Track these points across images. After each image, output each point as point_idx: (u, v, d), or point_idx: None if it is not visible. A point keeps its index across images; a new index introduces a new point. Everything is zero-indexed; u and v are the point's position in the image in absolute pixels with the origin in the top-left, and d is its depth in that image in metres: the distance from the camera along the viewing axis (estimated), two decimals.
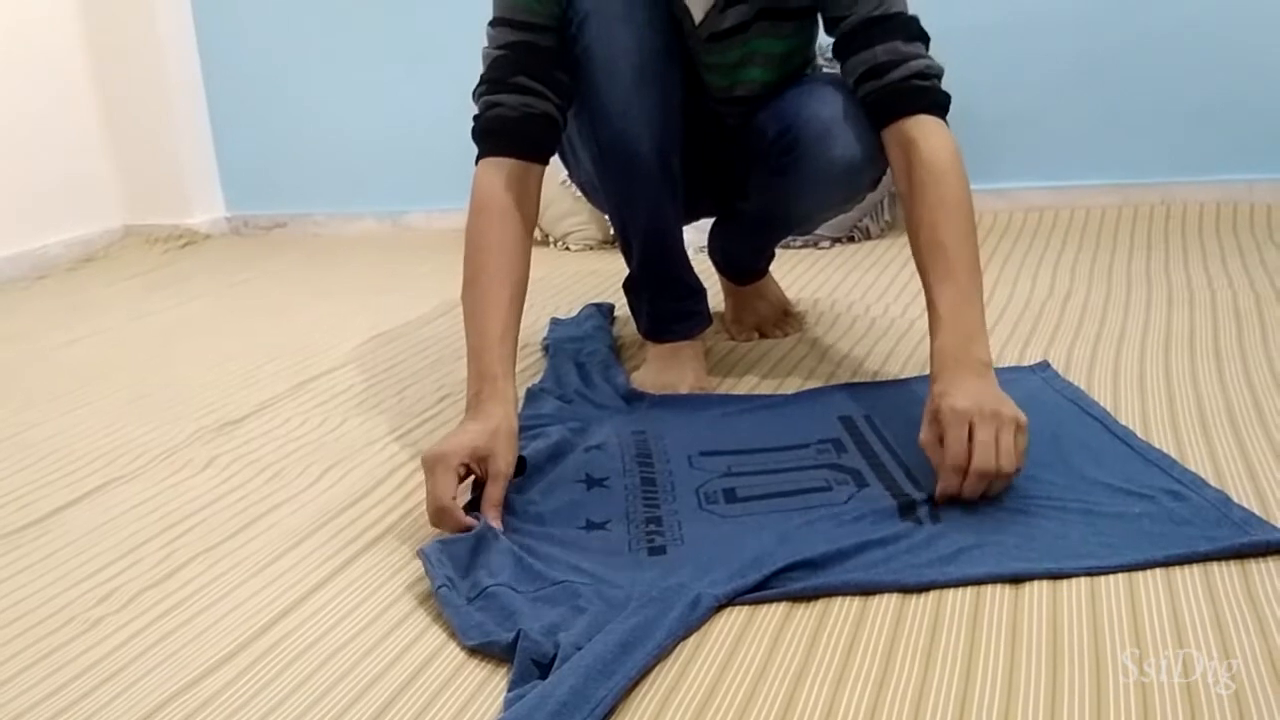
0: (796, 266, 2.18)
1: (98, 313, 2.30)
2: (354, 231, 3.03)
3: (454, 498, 1.07)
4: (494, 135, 1.29)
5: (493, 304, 1.21)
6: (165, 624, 1.00)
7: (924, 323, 1.73)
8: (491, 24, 1.33)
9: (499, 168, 1.28)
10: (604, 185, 1.42)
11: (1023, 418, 1.04)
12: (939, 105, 1.26)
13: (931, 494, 1.06)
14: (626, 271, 1.55)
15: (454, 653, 0.91)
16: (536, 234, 2.61)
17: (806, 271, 2.14)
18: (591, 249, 2.54)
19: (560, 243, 2.57)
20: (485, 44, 1.34)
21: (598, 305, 1.89)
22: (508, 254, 1.24)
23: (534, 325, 1.89)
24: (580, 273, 2.29)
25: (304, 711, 0.84)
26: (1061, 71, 2.48)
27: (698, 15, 1.38)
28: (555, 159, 1.64)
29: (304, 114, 3.02)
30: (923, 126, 1.24)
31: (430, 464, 1.08)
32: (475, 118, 1.32)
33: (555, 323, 1.82)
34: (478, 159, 1.30)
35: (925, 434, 1.09)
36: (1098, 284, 1.92)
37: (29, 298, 2.52)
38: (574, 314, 1.86)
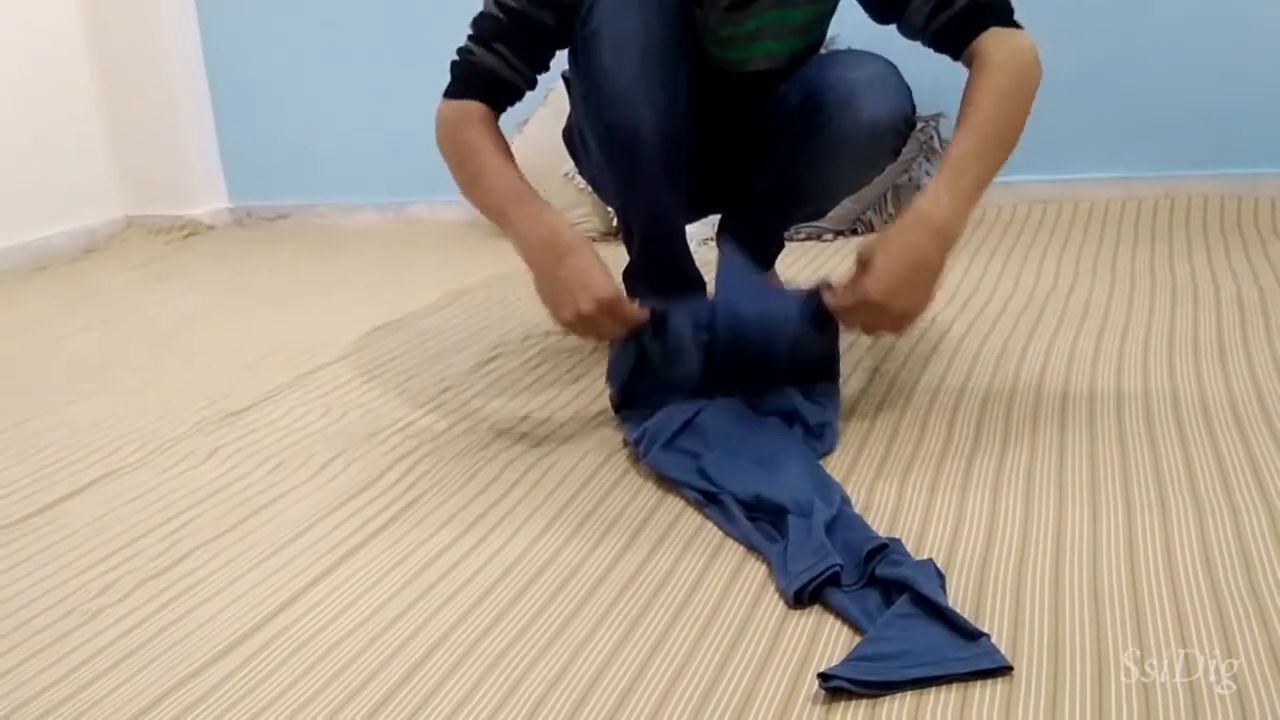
0: (800, 259, 2.17)
1: (99, 304, 2.30)
2: (356, 223, 3.03)
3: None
4: (461, 80, 1.39)
5: (501, 167, 1.32)
6: (166, 615, 1.00)
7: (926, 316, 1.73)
8: None
9: (463, 101, 1.38)
10: (608, 168, 1.42)
11: (920, 316, 1.22)
12: (1007, 13, 1.33)
13: None
14: (627, 263, 1.54)
15: (456, 645, 0.91)
16: None
17: (810, 264, 2.14)
18: (594, 241, 2.53)
19: None
20: None
21: None
22: (494, 140, 1.35)
23: (536, 318, 1.89)
24: None
25: (306, 703, 0.84)
26: (1065, 64, 2.46)
27: None
28: (564, 153, 1.64)
29: (307, 105, 3.02)
30: (991, 37, 1.30)
31: (608, 309, 1.21)
32: (451, 65, 1.39)
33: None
34: (444, 98, 1.39)
35: (861, 252, 1.21)
36: (1101, 277, 1.91)
37: (30, 288, 2.52)
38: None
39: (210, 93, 3.08)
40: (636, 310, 1.25)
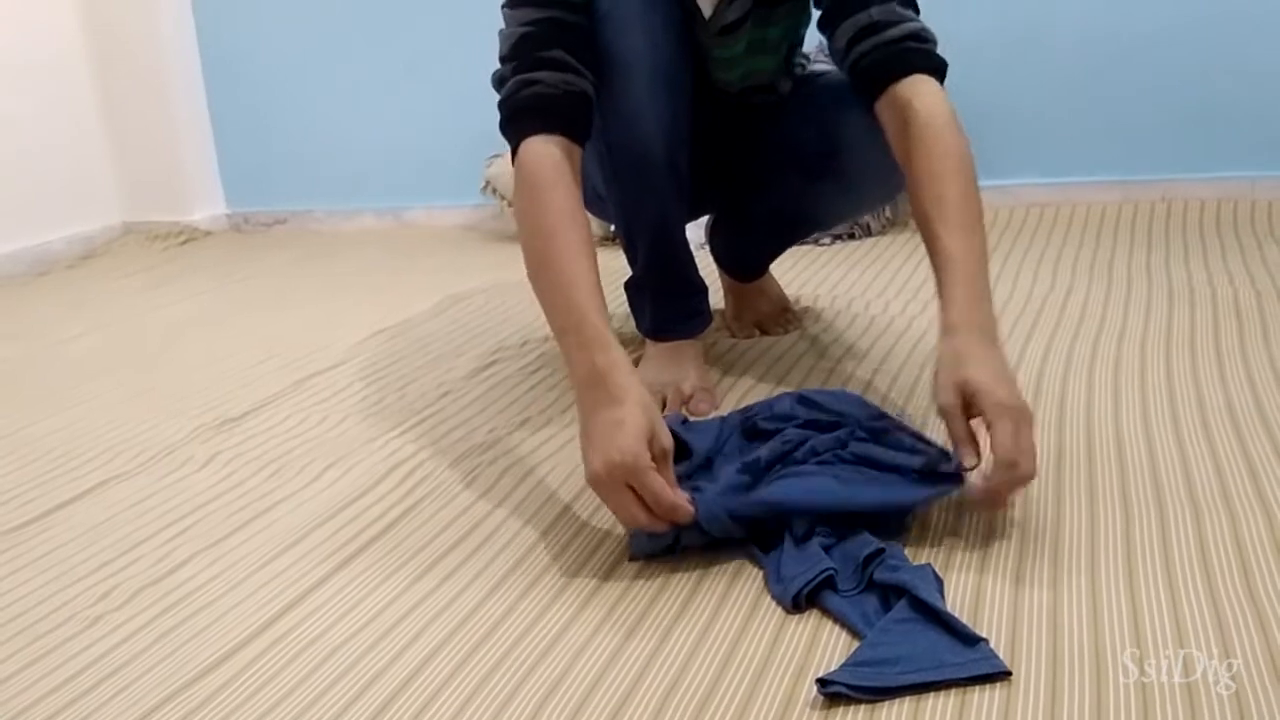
0: (798, 263, 2.17)
1: (98, 310, 2.30)
2: (354, 228, 3.03)
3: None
4: (538, 113, 1.20)
5: (579, 269, 1.11)
6: (165, 621, 1.00)
7: (924, 320, 1.73)
8: (510, 5, 1.27)
9: (547, 144, 1.18)
10: (611, 187, 1.42)
11: (1029, 409, 1.00)
12: (937, 68, 1.23)
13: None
14: (626, 266, 1.54)
15: (455, 650, 0.91)
16: None
17: (808, 268, 2.14)
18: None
19: None
20: (503, 26, 1.28)
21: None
22: (578, 225, 1.15)
23: (535, 323, 1.89)
24: None
25: (304, 709, 0.84)
26: (1063, 68, 2.47)
27: (707, 10, 1.38)
28: None
29: (304, 110, 3.02)
30: (918, 85, 1.21)
31: (623, 476, 0.97)
32: (507, 98, 1.23)
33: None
34: (518, 139, 1.20)
35: (947, 398, 1.01)
36: (1098, 281, 1.91)
37: (29, 294, 2.52)
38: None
39: (208, 99, 3.08)
40: (666, 493, 0.97)
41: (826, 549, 0.98)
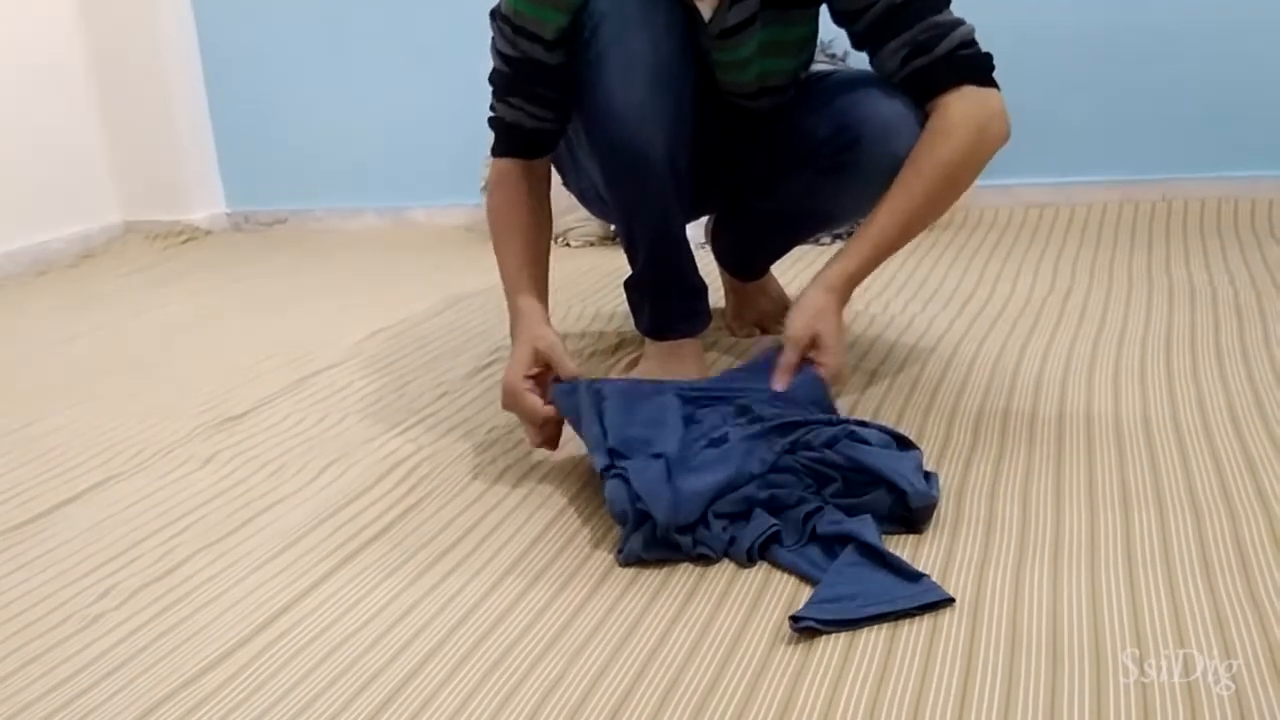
0: (798, 262, 2.17)
1: (98, 309, 2.30)
2: (355, 227, 3.03)
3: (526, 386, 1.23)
4: (498, 138, 1.45)
5: (509, 250, 1.41)
6: (165, 620, 1.00)
7: (923, 319, 1.73)
8: (495, 18, 1.35)
9: (502, 161, 1.45)
10: (611, 189, 1.42)
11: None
12: (984, 70, 1.32)
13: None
14: (626, 266, 1.54)
15: (454, 649, 0.91)
16: None
17: (808, 267, 2.14)
18: (592, 245, 2.54)
19: (561, 239, 2.57)
20: (492, 33, 1.36)
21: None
22: (518, 209, 1.43)
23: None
24: (581, 269, 2.29)
25: (303, 708, 0.84)
26: (1063, 67, 2.48)
27: (706, 14, 1.37)
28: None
29: (305, 109, 3.02)
30: (959, 95, 1.30)
31: (508, 402, 1.26)
32: (488, 119, 1.45)
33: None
34: (492, 152, 1.46)
35: (803, 335, 1.26)
36: (1099, 280, 1.92)
37: (29, 294, 2.52)
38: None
39: (208, 98, 3.08)
40: (533, 408, 1.23)
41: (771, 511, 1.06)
